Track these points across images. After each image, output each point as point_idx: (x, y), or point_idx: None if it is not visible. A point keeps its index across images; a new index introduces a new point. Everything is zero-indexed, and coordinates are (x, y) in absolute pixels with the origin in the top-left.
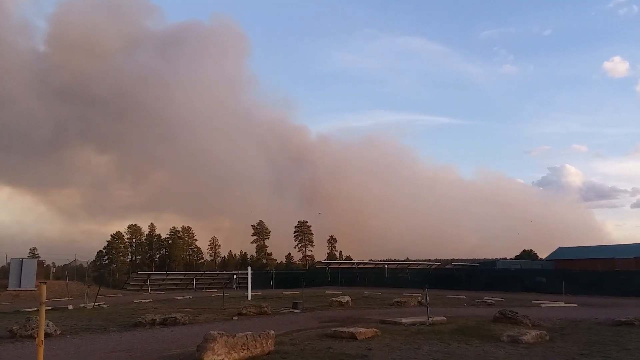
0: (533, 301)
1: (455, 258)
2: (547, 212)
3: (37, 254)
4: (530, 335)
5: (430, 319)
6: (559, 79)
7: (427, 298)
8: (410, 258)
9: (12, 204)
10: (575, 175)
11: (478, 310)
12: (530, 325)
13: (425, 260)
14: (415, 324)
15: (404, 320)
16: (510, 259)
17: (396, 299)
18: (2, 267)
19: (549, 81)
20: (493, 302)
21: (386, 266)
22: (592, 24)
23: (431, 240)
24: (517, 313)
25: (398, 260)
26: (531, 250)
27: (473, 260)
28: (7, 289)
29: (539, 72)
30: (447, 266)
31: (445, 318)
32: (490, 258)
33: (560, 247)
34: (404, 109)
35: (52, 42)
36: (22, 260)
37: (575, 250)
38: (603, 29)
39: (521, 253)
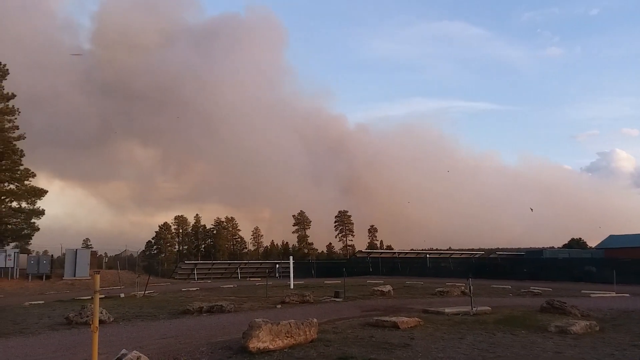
0: (582, 291)
1: (500, 247)
2: (596, 199)
3: (90, 245)
4: (579, 325)
5: (474, 309)
6: (607, 60)
7: (471, 287)
8: (452, 247)
9: (64, 197)
10: (626, 160)
11: (524, 300)
12: (579, 315)
13: (468, 250)
14: (459, 314)
15: (447, 310)
16: (558, 247)
17: (438, 289)
18: (58, 257)
19: (596, 62)
20: (540, 292)
21: (428, 255)
22: None
23: (474, 230)
24: (565, 303)
25: (440, 250)
26: (580, 238)
27: (518, 250)
28: (63, 278)
29: (585, 54)
30: (491, 255)
31: (489, 308)
32: (536, 247)
33: (611, 235)
34: (442, 95)
35: (95, 40)
36: (76, 251)
37: (627, 238)
38: None
39: (569, 241)
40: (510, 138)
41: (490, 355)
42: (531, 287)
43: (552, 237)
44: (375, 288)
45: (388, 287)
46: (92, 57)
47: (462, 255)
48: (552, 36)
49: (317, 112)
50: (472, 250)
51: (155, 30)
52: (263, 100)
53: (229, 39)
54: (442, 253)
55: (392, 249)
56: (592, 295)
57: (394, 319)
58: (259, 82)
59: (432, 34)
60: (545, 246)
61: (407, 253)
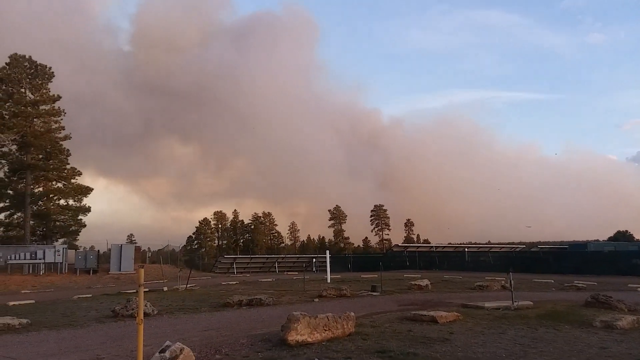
0: (629, 285)
1: (542, 240)
2: None
3: (134, 240)
4: (626, 320)
5: (515, 303)
6: None
7: (511, 281)
8: (491, 241)
9: (108, 193)
10: None
11: (567, 295)
12: (626, 310)
13: (509, 243)
14: (499, 309)
15: (487, 305)
16: (603, 240)
17: (478, 283)
18: (104, 252)
19: None
20: (584, 286)
21: (466, 249)
22: None
23: (514, 223)
24: (611, 297)
25: (479, 244)
26: (626, 231)
27: (561, 243)
28: (109, 272)
29: (630, 39)
30: (532, 249)
31: (531, 302)
32: (580, 240)
33: None
34: (481, 86)
35: (135, 41)
36: (121, 246)
37: None
38: None
39: (615, 234)
40: (552, 128)
41: (533, 350)
42: (575, 281)
43: (597, 230)
44: (413, 282)
45: (426, 282)
46: (132, 58)
47: (502, 249)
48: (594, 22)
49: (352, 106)
50: (513, 243)
51: (192, 30)
52: (298, 96)
53: (263, 37)
54: (481, 247)
55: (429, 243)
56: (639, 289)
57: (432, 313)
58: (293, 78)
59: (469, 24)
60: (590, 239)
61: (444, 247)
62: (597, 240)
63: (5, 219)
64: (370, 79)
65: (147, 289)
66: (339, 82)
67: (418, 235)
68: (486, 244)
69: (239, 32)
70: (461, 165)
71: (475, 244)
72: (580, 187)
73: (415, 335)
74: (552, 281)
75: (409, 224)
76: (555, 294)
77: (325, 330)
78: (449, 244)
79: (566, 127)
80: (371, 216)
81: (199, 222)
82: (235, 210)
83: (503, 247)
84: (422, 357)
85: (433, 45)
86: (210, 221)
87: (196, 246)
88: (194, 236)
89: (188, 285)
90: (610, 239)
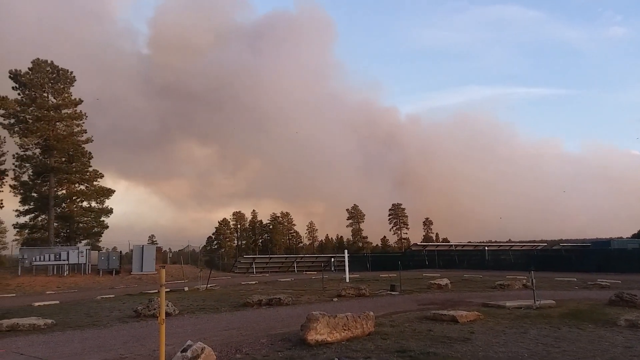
0: None
1: (564, 238)
2: None
3: (155, 241)
4: None
5: (537, 302)
6: None
7: (533, 280)
8: (512, 239)
9: (129, 195)
10: None
11: (591, 293)
12: None
13: (530, 241)
14: (521, 308)
15: (508, 304)
16: (627, 237)
17: (499, 282)
18: (126, 253)
19: None
20: (608, 284)
21: (486, 248)
22: None
23: (535, 220)
24: (635, 296)
25: (499, 242)
26: None
27: (584, 240)
28: (131, 273)
29: None
30: (554, 247)
31: (553, 301)
32: (603, 237)
33: None
34: (498, 82)
35: (153, 44)
36: (142, 247)
37: None
38: None
39: (639, 231)
40: (572, 124)
41: (556, 350)
42: (598, 280)
43: (620, 227)
44: (432, 281)
45: (445, 281)
46: (150, 61)
47: (523, 247)
48: (614, 15)
49: (368, 105)
50: (534, 242)
51: (208, 32)
52: (314, 96)
53: (279, 36)
54: (501, 245)
55: (449, 242)
56: None
57: (452, 312)
58: (309, 78)
59: (485, 20)
60: (613, 236)
61: (464, 246)
62: (621, 238)
63: (30, 221)
64: (387, 77)
65: (168, 289)
66: (355, 81)
67: (437, 234)
68: (507, 242)
69: (255, 32)
70: (480, 163)
71: (495, 242)
72: (602, 183)
73: (435, 335)
74: (575, 279)
75: (427, 223)
76: (578, 292)
77: (345, 329)
78: (468, 242)
79: (587, 122)
80: (389, 215)
81: (219, 222)
82: (253, 210)
83: (524, 245)
84: (442, 356)
85: (449, 42)
86: (229, 221)
87: (216, 246)
88: (213, 236)
89: (208, 285)
90: (634, 235)
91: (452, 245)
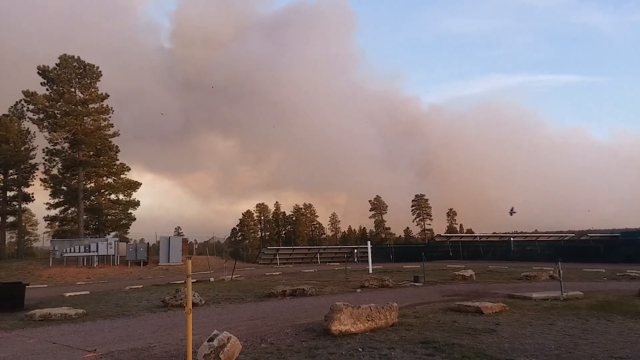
0: None
1: (592, 229)
2: None
3: (181, 233)
4: None
5: (565, 294)
6: None
7: (560, 271)
8: (538, 230)
9: (154, 188)
10: None
11: (620, 285)
12: None
13: (557, 232)
14: (548, 299)
15: (534, 295)
16: None
17: (525, 273)
18: (153, 245)
19: None
20: (638, 275)
21: (512, 239)
22: None
23: (562, 211)
24: None
25: (525, 233)
26: None
27: (612, 231)
28: (159, 264)
29: None
30: (582, 237)
31: (581, 293)
32: (633, 227)
33: None
34: (523, 70)
35: (175, 39)
36: (169, 239)
37: None
38: None
39: None
40: (600, 111)
41: (583, 342)
42: (628, 271)
43: None
44: (456, 272)
45: (470, 272)
46: (172, 55)
47: (550, 238)
48: None
49: (390, 95)
50: (561, 232)
51: (229, 25)
52: (335, 86)
53: (299, 28)
54: (527, 236)
55: (473, 233)
56: None
57: (477, 304)
58: (330, 69)
59: (508, 6)
60: None
61: (489, 237)
62: None
63: (60, 214)
64: (409, 67)
65: (194, 280)
66: (376, 71)
67: (461, 225)
68: (533, 232)
69: (276, 23)
70: (504, 152)
71: (521, 232)
72: (631, 171)
73: (459, 326)
74: (604, 271)
75: (451, 214)
76: (606, 283)
77: (368, 320)
78: (493, 233)
79: (615, 110)
80: (412, 206)
81: (242, 214)
82: (276, 202)
83: (551, 236)
84: (467, 348)
85: (472, 29)
86: (252, 213)
87: (240, 238)
88: (237, 228)
89: (233, 276)
90: None
91: (476, 236)
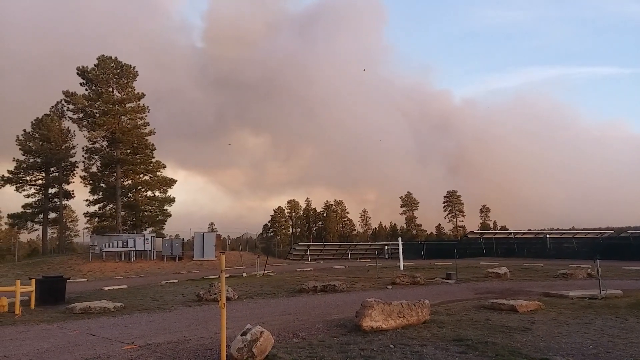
0: None
1: (632, 226)
2: None
3: (215, 228)
4: None
5: (603, 292)
6: None
7: (599, 269)
8: (575, 227)
9: (188, 184)
10: None
11: None
12: None
13: (595, 229)
14: (585, 298)
15: (571, 294)
16: None
17: (561, 271)
18: (188, 240)
19: None
20: None
21: (548, 236)
22: None
23: (601, 207)
24: None
25: (561, 230)
26: None
27: None
28: (193, 259)
29: None
30: (621, 234)
31: (621, 291)
32: None
33: None
34: (559, 62)
35: (207, 37)
36: (203, 234)
37: None
38: None
39: None
40: (639, 104)
41: (622, 341)
42: None
43: None
44: (490, 270)
45: (504, 269)
46: (205, 54)
47: (588, 235)
48: None
49: (421, 88)
50: (600, 229)
51: (260, 22)
52: (366, 81)
53: (329, 23)
54: (564, 233)
55: (507, 229)
56: None
57: (511, 302)
58: (360, 63)
59: None
60: None
61: (524, 234)
62: None
63: (100, 210)
64: (440, 59)
65: (228, 275)
66: (407, 64)
67: (494, 222)
68: (570, 229)
69: (306, 19)
70: (540, 146)
71: (557, 229)
72: None
73: (493, 324)
74: None
75: (484, 210)
76: None
77: (400, 317)
78: (528, 230)
79: None
80: (444, 202)
81: (274, 210)
82: (307, 198)
83: (589, 232)
84: (501, 346)
85: (506, 20)
86: (284, 210)
87: (272, 234)
88: (269, 224)
89: (265, 272)
90: None
91: (511, 233)
